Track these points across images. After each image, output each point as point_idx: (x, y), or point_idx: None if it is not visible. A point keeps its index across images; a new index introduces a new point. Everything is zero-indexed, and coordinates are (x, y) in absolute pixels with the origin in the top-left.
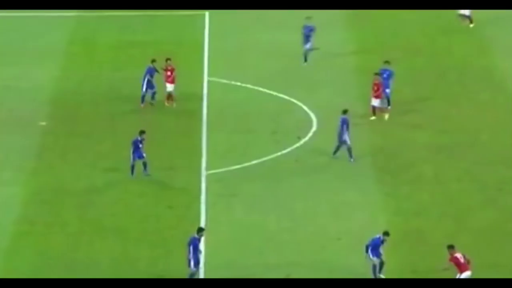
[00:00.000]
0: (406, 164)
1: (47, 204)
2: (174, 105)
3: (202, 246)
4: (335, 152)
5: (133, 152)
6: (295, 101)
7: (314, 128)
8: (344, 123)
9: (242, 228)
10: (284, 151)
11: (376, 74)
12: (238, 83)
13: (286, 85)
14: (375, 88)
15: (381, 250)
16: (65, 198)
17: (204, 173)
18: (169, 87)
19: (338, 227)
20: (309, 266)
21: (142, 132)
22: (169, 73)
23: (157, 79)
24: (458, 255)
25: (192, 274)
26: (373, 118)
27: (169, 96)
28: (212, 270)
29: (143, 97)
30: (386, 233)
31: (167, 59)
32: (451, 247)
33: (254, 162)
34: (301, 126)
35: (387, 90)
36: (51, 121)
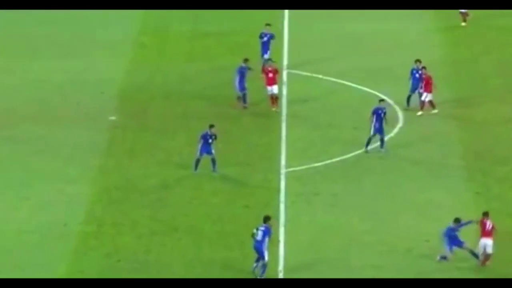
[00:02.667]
0: (498, 161)
1: (115, 203)
2: (275, 108)
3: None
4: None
5: (201, 147)
6: (379, 94)
7: (400, 124)
8: (375, 114)
9: (322, 228)
10: (367, 148)
11: (423, 67)
12: (320, 76)
13: (369, 78)
14: (426, 82)
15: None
16: (135, 196)
17: (283, 170)
18: (273, 89)
19: (425, 228)
20: (393, 269)
21: (211, 126)
22: (270, 74)
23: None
24: (488, 222)
25: (265, 265)
26: (420, 113)
27: (273, 99)
28: (291, 272)
29: (238, 98)
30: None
31: (269, 59)
32: (485, 214)
33: (335, 159)
34: (385, 122)
35: (421, 91)
36: (120, 115)
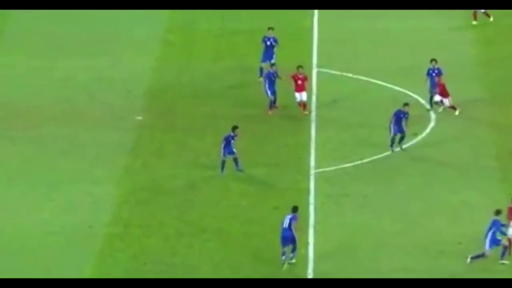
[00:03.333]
0: None
1: (142, 204)
2: (307, 112)
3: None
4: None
5: (224, 148)
6: (411, 93)
7: (432, 124)
8: (396, 116)
9: (352, 230)
10: (398, 148)
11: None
12: (350, 75)
13: (400, 77)
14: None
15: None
16: (161, 197)
17: (312, 171)
18: (301, 95)
19: (458, 230)
20: (425, 272)
21: (235, 128)
22: (299, 81)
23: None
24: None
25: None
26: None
27: (302, 105)
28: (321, 275)
29: (271, 102)
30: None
31: (299, 67)
32: None
33: (366, 160)
34: (417, 121)
35: (437, 89)
36: (147, 115)
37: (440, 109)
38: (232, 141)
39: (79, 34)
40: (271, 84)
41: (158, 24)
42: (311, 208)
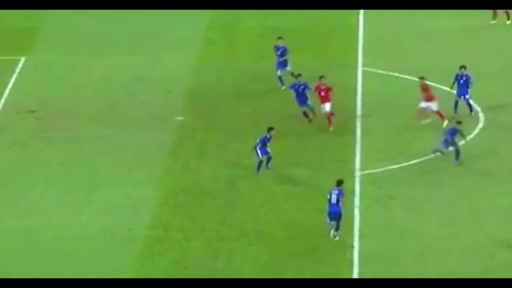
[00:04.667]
0: None
1: (183, 207)
2: (331, 128)
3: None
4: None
5: (260, 149)
6: None
7: (480, 125)
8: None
9: (399, 233)
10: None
11: (422, 78)
12: (396, 74)
13: (448, 76)
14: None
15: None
16: (202, 200)
17: (357, 173)
18: (325, 107)
19: (508, 234)
20: (475, 277)
21: (270, 129)
22: (323, 93)
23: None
24: None
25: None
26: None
27: (328, 116)
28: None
29: (305, 113)
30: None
31: (321, 77)
32: None
33: (413, 161)
34: (466, 122)
35: (466, 96)
36: (188, 115)
37: (428, 120)
38: (268, 142)
39: (119, 33)
40: (298, 96)
41: (200, 22)
42: (356, 211)
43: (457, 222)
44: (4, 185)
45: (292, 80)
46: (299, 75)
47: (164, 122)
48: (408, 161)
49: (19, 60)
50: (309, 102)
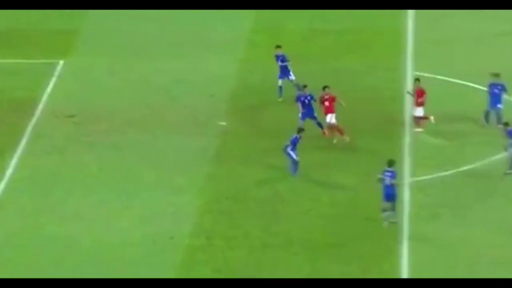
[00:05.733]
0: None
1: (226, 214)
2: (335, 141)
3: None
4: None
5: (292, 150)
6: (510, 98)
7: None
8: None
9: (449, 242)
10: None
11: (417, 79)
12: (445, 78)
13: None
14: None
15: None
16: (246, 207)
17: (406, 180)
18: (329, 118)
19: None
20: None
21: (301, 130)
22: (327, 103)
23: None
24: None
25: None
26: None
27: (332, 129)
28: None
29: (319, 124)
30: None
31: (325, 87)
32: None
33: (463, 168)
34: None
35: (499, 106)
36: (231, 120)
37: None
38: (297, 144)
39: (161, 35)
40: (304, 107)
41: (243, 24)
42: (405, 219)
43: (508, 230)
44: (43, 191)
45: (295, 93)
46: (305, 86)
47: (206, 126)
48: (458, 167)
49: (57, 63)
50: (315, 114)
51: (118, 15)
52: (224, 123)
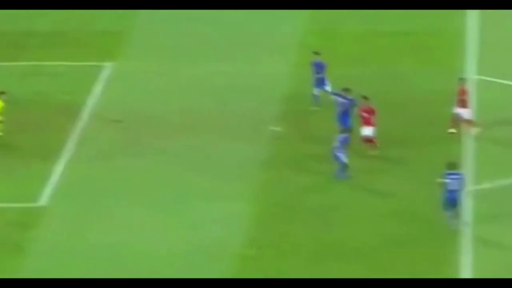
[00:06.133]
0: None
1: (278, 223)
2: (374, 152)
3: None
4: None
5: (340, 152)
6: None
7: None
8: None
9: None
10: None
11: (462, 79)
12: (508, 82)
13: None
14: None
15: None
16: (300, 216)
17: (469, 188)
18: (365, 131)
19: None
20: None
21: (348, 130)
22: (365, 114)
23: None
24: None
25: None
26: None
27: (367, 142)
28: None
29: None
30: None
31: (364, 98)
32: None
33: None
34: None
35: None
36: (284, 125)
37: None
38: (346, 145)
39: (211, 36)
40: (344, 114)
41: (297, 26)
42: (468, 228)
43: None
44: (89, 199)
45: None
46: (348, 89)
47: (259, 132)
48: None
49: (105, 66)
50: (349, 121)
51: (168, 16)
52: (277, 128)
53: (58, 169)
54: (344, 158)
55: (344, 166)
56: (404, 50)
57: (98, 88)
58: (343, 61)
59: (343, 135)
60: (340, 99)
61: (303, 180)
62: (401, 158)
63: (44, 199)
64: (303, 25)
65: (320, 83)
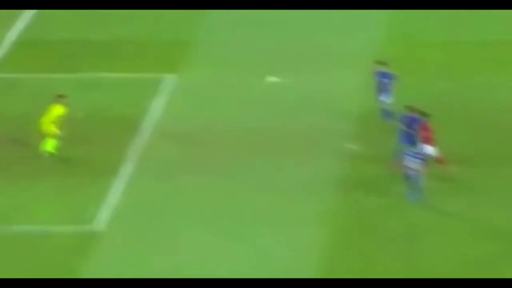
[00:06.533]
0: None
1: (355, 250)
2: (453, 169)
3: None
4: None
5: (415, 172)
6: None
7: None
8: None
9: None
10: None
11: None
12: None
13: None
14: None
15: None
16: (378, 241)
17: None
18: (427, 149)
19: None
20: None
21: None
22: (426, 132)
23: None
24: None
25: None
26: None
27: (436, 160)
28: None
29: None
30: None
31: (424, 114)
32: None
33: None
34: None
35: None
36: (360, 142)
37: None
38: (422, 164)
39: (283, 46)
40: (403, 133)
41: (374, 35)
42: None
43: None
44: (150, 221)
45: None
46: (411, 107)
47: (333, 150)
48: None
49: (167, 78)
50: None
51: (237, 24)
52: (353, 146)
53: (116, 189)
54: (417, 179)
55: (418, 187)
56: (491, 61)
57: (159, 102)
58: (424, 73)
59: (412, 154)
60: (402, 116)
61: (380, 202)
62: (489, 178)
63: (100, 222)
64: (381, 34)
65: (385, 94)
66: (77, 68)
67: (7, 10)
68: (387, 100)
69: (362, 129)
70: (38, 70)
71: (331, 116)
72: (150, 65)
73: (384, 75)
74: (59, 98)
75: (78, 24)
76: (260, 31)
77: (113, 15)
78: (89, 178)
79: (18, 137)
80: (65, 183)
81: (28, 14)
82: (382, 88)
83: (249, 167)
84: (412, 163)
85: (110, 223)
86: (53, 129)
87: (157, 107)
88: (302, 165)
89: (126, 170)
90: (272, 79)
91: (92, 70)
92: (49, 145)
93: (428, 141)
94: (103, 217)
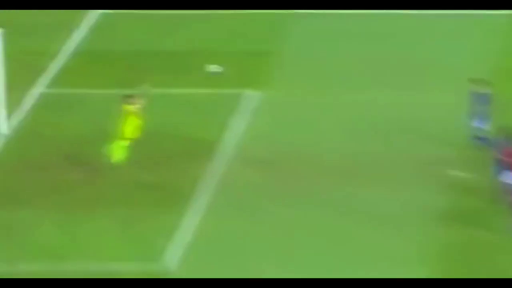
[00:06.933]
0: None
1: None
2: None
3: None
4: None
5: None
6: None
7: None
8: None
9: None
10: None
11: None
12: None
13: None
14: None
15: None
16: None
17: None
18: (507, 177)
19: None
20: None
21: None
22: (506, 157)
23: None
24: None
25: None
26: None
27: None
28: None
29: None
30: None
31: (508, 137)
32: None
33: None
34: None
35: None
36: (468, 169)
37: None
38: None
39: (374, 59)
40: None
41: (478, 47)
42: None
43: None
44: (227, 259)
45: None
46: (508, 131)
47: (433, 178)
48: None
49: (247, 95)
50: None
51: (325, 32)
52: (460, 174)
53: (187, 222)
54: None
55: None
56: None
57: (239, 121)
58: None
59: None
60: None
61: (488, 238)
62: None
63: (170, 259)
64: (484, 46)
65: (482, 118)
66: (142, 83)
67: (68, 10)
68: (482, 126)
69: (469, 154)
70: (99, 85)
71: (430, 138)
72: (227, 80)
73: (480, 96)
74: (127, 98)
75: (143, 33)
76: (356, 39)
77: (183, 21)
78: (156, 209)
79: (76, 159)
80: (129, 215)
81: (87, 22)
82: (476, 112)
83: (340, 197)
84: None
85: (180, 261)
86: (128, 131)
87: (234, 127)
88: (399, 194)
89: (201, 199)
90: (214, 68)
91: (159, 86)
92: (117, 151)
93: (506, 167)
94: (172, 254)
